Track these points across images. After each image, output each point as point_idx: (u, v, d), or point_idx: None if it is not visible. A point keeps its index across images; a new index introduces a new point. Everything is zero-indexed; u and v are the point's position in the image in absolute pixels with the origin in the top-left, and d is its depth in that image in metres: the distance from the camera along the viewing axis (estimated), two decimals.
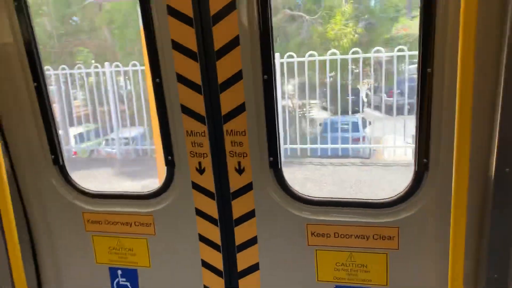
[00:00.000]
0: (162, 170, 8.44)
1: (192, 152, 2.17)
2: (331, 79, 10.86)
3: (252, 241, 2.22)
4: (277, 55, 10.51)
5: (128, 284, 2.46)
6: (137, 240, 2.37)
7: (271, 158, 2.10)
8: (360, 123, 12.16)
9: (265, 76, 1.99)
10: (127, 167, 10.28)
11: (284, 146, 10.40)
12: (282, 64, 10.32)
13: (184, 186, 2.24)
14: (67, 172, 2.44)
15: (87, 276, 2.49)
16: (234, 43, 1.96)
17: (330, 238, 2.11)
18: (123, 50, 12.07)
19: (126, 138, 11.90)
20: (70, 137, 11.71)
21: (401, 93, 12.58)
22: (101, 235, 2.41)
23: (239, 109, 2.04)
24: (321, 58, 10.23)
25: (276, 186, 2.14)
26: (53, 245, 2.51)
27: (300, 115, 13.98)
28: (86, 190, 2.43)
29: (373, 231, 2.06)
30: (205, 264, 2.31)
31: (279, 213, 2.16)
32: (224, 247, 2.26)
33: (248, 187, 2.15)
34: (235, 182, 2.16)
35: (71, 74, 10.78)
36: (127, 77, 11.26)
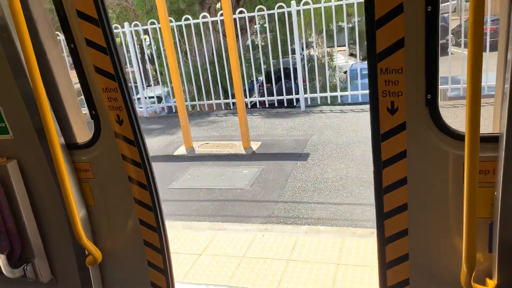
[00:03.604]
0: (184, 124, 8.67)
1: (109, 106, 2.38)
2: (358, 23, 10.31)
3: (402, 182, 2.15)
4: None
5: None
6: (83, 184, 2.72)
7: (429, 96, 1.98)
8: None
9: (429, 8, 1.83)
10: (152, 124, 10.76)
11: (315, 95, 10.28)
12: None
13: (109, 136, 2.47)
14: None
15: None
16: None
17: (488, 175, 2.00)
18: (141, 8, 12.19)
19: (152, 97, 12.39)
20: None
21: None
22: None
23: (397, 46, 1.90)
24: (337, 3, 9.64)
25: (432, 124, 2.02)
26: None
27: (322, 62, 13.47)
28: None
29: None
30: (137, 201, 2.60)
31: (434, 151, 2.06)
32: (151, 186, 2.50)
33: (401, 127, 2.06)
34: (386, 123, 2.06)
35: None
36: (145, 37, 11.44)
